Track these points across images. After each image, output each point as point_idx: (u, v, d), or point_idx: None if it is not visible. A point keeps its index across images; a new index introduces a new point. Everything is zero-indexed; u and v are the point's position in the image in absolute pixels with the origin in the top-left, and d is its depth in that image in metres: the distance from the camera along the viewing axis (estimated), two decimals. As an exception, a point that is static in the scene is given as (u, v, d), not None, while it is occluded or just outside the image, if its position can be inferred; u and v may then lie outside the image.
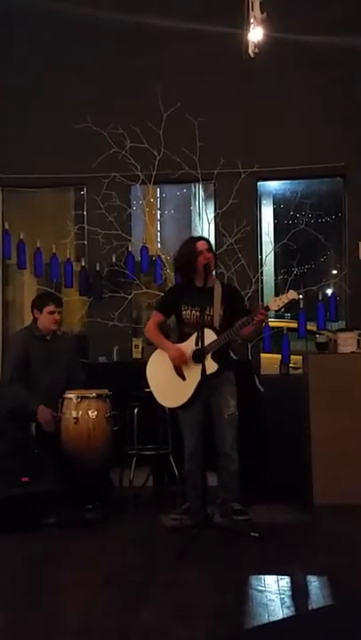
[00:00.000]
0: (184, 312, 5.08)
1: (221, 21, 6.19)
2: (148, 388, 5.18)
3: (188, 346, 5.00)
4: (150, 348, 6.21)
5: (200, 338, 4.75)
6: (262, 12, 5.27)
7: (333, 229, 7.54)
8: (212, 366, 4.85)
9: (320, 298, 6.74)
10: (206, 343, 4.79)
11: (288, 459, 5.75)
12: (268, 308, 4.91)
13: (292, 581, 3.95)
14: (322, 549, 4.50)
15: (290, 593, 3.75)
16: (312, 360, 5.82)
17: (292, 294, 4.91)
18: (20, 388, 5.45)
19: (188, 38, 6.64)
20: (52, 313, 5.61)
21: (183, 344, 5.05)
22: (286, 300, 4.90)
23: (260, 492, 5.54)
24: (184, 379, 4.98)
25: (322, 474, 5.50)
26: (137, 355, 6.66)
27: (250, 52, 5.43)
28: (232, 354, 5.47)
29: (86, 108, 6.68)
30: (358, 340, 5.91)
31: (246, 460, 5.09)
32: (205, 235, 6.50)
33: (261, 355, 6.74)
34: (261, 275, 6.91)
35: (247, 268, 6.63)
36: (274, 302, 4.94)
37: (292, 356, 6.74)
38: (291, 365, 6.68)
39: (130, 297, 6.82)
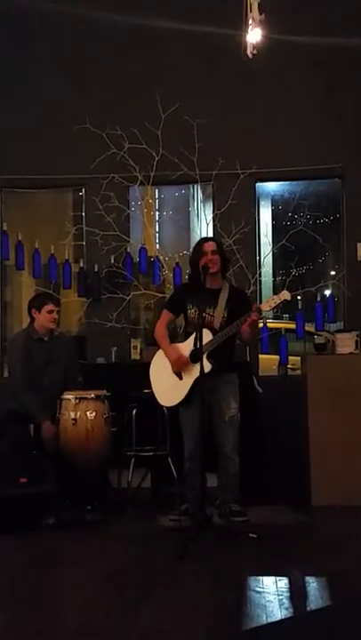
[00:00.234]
0: (189, 311, 5.12)
1: (220, 23, 6.20)
2: (147, 389, 5.20)
3: (187, 346, 5.04)
4: (149, 349, 6.23)
5: (198, 338, 4.77)
6: (261, 14, 5.27)
7: (332, 230, 7.54)
8: (206, 366, 4.85)
9: (318, 299, 6.74)
10: (203, 343, 4.80)
11: (286, 460, 5.76)
12: (260, 309, 4.93)
13: (290, 582, 3.95)
14: (320, 550, 4.51)
15: (288, 594, 3.76)
16: (310, 361, 5.83)
17: (284, 295, 4.90)
18: (32, 397, 5.45)
19: (187, 39, 6.64)
20: (50, 312, 5.61)
21: (182, 344, 5.09)
22: (278, 301, 4.90)
23: (258, 493, 5.54)
24: (181, 378, 5.01)
25: (320, 475, 5.51)
26: (135, 356, 6.65)
27: (248, 53, 5.42)
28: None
29: (85, 109, 6.68)
30: (356, 341, 5.92)
31: (245, 460, 5.09)
32: (204, 235, 6.51)
33: (260, 356, 6.73)
34: (260, 276, 6.91)
35: (246, 269, 6.62)
36: (266, 303, 4.96)
37: (290, 357, 6.73)
38: (289, 366, 6.69)
39: (128, 298, 6.82)
